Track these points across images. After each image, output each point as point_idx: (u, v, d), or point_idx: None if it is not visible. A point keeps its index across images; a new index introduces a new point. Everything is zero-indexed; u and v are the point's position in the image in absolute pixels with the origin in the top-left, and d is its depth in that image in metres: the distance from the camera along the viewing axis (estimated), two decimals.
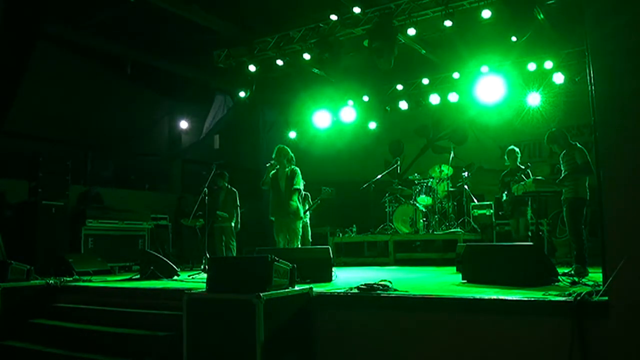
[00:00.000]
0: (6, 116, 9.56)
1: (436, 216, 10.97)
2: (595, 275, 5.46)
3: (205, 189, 8.37)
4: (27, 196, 9.17)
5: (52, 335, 5.84)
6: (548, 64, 10.88)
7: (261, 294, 4.12)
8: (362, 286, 4.85)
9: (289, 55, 10.63)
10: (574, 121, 11.21)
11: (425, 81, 12.61)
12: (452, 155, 11.43)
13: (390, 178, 11.95)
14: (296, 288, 4.72)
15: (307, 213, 11.27)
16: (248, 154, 14.51)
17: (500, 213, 9.69)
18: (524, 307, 3.97)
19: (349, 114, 13.06)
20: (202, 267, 8.22)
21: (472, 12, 8.75)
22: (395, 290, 4.76)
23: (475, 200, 10.97)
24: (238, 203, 9.62)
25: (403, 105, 13.12)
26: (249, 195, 12.18)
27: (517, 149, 8.75)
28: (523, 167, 8.55)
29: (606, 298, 3.66)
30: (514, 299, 4.08)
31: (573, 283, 5.06)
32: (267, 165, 8.16)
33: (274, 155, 8.15)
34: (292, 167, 8.20)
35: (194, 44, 11.37)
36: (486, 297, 4.21)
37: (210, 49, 11.28)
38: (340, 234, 11.61)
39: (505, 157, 8.81)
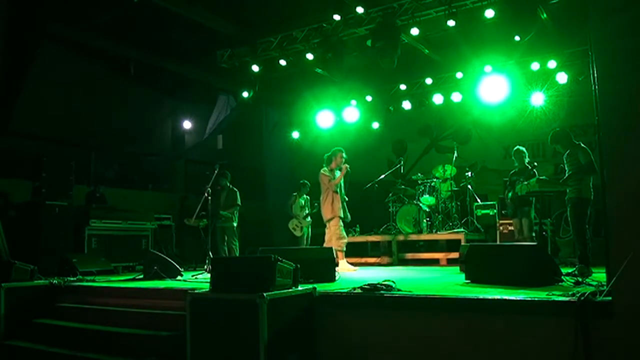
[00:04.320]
0: (10, 116, 9.61)
1: (439, 216, 10.95)
2: (599, 275, 5.44)
3: (209, 189, 8.39)
4: (30, 196, 9.19)
5: (55, 335, 5.86)
6: (551, 64, 10.87)
7: (264, 294, 4.12)
8: (365, 286, 4.85)
9: (292, 55, 10.63)
10: (577, 121, 11.19)
11: (429, 81, 12.60)
12: (455, 155, 11.41)
13: (394, 178, 11.93)
14: (299, 288, 4.72)
15: (309, 215, 11.34)
16: (251, 154, 14.54)
17: (503, 212, 9.67)
18: (528, 307, 3.96)
19: (352, 114, 13.06)
20: (205, 267, 8.23)
21: (475, 12, 8.74)
22: (399, 290, 4.75)
23: (478, 200, 10.95)
24: (239, 202, 9.64)
25: (406, 105, 13.12)
26: (253, 195, 12.20)
27: (523, 149, 8.75)
28: (530, 167, 8.55)
29: (610, 298, 3.65)
30: (518, 299, 4.07)
31: (577, 283, 5.05)
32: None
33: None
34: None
35: (197, 44, 11.38)
36: (490, 297, 4.20)
37: (214, 49, 11.29)
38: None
39: (513, 158, 8.81)
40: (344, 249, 8.55)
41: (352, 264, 8.78)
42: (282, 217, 11.89)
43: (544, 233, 9.18)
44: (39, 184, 9.04)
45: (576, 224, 6.64)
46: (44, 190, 9.01)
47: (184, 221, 9.87)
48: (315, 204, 10.48)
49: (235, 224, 9.66)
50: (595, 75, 3.97)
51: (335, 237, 8.53)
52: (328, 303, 4.81)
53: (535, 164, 8.78)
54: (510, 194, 8.64)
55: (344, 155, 8.76)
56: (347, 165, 8.72)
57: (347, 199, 8.88)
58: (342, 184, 8.81)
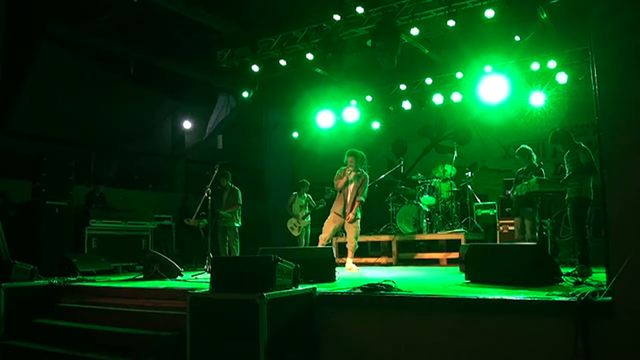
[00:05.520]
0: (10, 116, 9.60)
1: (439, 216, 10.95)
2: (599, 276, 5.44)
3: (209, 189, 8.39)
4: (30, 196, 9.20)
5: (55, 335, 5.86)
6: (551, 64, 10.85)
7: (264, 294, 4.12)
8: (365, 286, 4.84)
9: (292, 55, 10.62)
10: (577, 121, 11.17)
11: (429, 81, 12.59)
12: (455, 155, 11.41)
13: (394, 178, 11.93)
14: (299, 288, 4.72)
15: (309, 215, 11.34)
16: (251, 154, 14.53)
17: (507, 210, 9.64)
18: (528, 307, 3.96)
19: (352, 114, 13.05)
20: (205, 267, 8.22)
21: (475, 12, 8.74)
22: (399, 290, 4.75)
23: (478, 200, 10.94)
24: (240, 202, 9.65)
25: (406, 105, 13.10)
26: (253, 195, 12.19)
27: (529, 148, 8.73)
28: (538, 165, 8.54)
29: (610, 298, 3.65)
30: (518, 299, 4.07)
31: (577, 283, 5.05)
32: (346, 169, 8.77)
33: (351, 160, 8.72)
34: (364, 172, 8.89)
35: (197, 44, 11.39)
36: (490, 297, 4.20)
37: (214, 49, 11.29)
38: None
39: (518, 157, 8.80)
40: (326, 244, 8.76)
41: (353, 263, 8.82)
42: (281, 217, 11.89)
43: (544, 233, 9.19)
44: (39, 184, 9.04)
45: (576, 224, 6.63)
46: (44, 190, 9.01)
47: (184, 221, 9.87)
48: (328, 194, 10.57)
49: (238, 225, 9.67)
50: (595, 75, 3.97)
51: None
52: (328, 303, 4.80)
53: (542, 163, 8.78)
54: (515, 193, 8.62)
55: (350, 161, 8.77)
56: (348, 175, 8.76)
57: (363, 200, 8.95)
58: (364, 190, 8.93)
